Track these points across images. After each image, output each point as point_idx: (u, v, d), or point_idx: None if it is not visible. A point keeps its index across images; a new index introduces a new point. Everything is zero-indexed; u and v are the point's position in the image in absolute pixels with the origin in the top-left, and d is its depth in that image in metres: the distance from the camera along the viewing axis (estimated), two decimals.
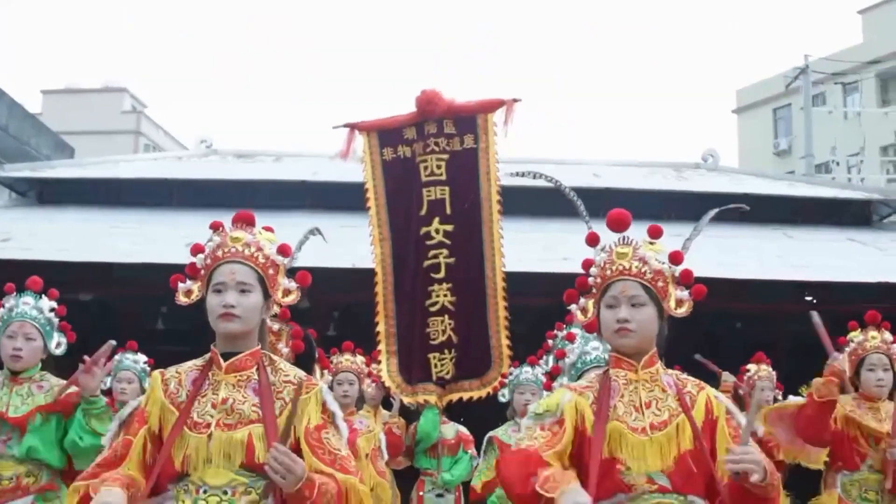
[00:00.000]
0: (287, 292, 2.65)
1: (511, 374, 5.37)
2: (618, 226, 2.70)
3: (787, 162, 32.59)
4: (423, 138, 4.91)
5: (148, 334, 11.98)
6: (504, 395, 5.61)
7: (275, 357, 2.61)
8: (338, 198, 12.50)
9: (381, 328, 4.89)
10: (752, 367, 6.57)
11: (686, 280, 2.65)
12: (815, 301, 11.12)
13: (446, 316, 4.80)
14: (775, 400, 6.38)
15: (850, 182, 25.30)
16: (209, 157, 15.47)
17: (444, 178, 4.89)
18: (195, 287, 2.57)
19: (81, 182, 13.98)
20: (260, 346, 2.54)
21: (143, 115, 42.90)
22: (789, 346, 12.39)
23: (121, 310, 12.52)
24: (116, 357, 5.73)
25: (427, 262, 4.84)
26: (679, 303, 2.58)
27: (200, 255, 2.65)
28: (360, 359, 5.83)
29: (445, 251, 4.86)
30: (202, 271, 2.58)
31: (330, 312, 11.44)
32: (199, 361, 2.53)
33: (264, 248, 2.67)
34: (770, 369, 6.57)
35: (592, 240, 2.77)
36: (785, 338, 12.48)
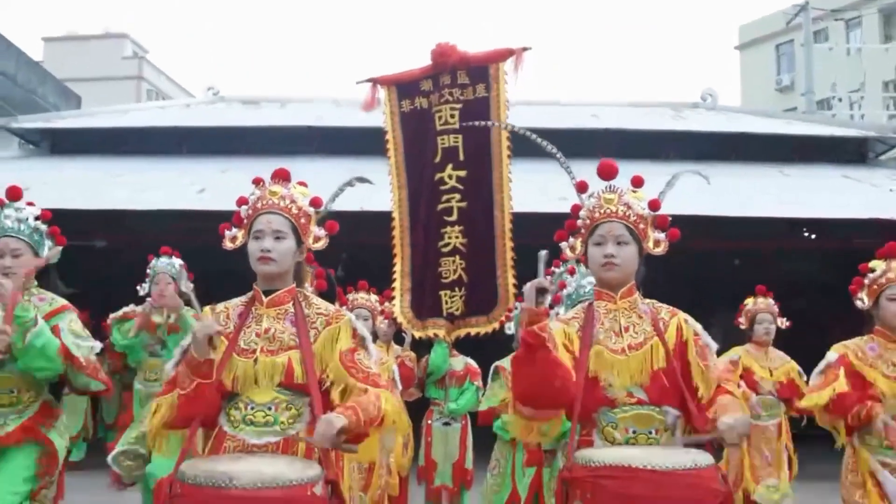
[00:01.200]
0: (317, 239, 3.00)
1: (516, 307, 5.75)
2: (607, 174, 3.03)
3: (789, 98, 32.64)
4: (438, 89, 5.09)
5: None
6: (510, 328, 5.98)
7: (308, 293, 2.99)
8: (343, 142, 12.85)
9: (396, 268, 5.15)
10: (750, 301, 6.65)
11: (662, 224, 2.99)
12: (813, 237, 11.47)
13: (457, 256, 5.01)
14: (778, 332, 6.47)
15: (852, 119, 25.45)
16: (216, 105, 15.70)
17: (457, 126, 5.06)
18: (239, 234, 2.92)
19: (92, 132, 14.23)
20: (295, 285, 2.92)
21: (145, 60, 42.78)
22: (785, 282, 12.83)
23: (133, 254, 12.93)
24: (151, 262, 6.11)
25: (440, 206, 5.03)
26: (656, 243, 2.93)
27: (244, 207, 2.97)
28: (373, 297, 6.23)
29: (458, 196, 5.04)
30: (245, 221, 2.92)
31: (338, 254, 11.88)
32: (243, 298, 2.89)
33: (297, 200, 3.01)
34: (770, 301, 6.60)
35: (581, 187, 3.09)
36: (779, 275, 12.90)
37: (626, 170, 11.29)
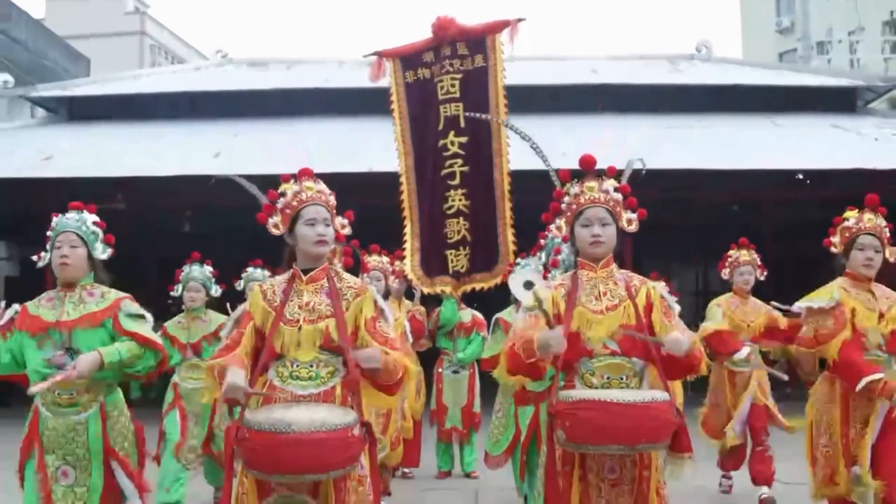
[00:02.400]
0: (343, 225, 3.55)
1: (517, 263, 6.22)
2: (587, 166, 3.55)
3: (790, 40, 32.51)
4: (439, 60, 5.52)
5: (180, 237, 12.88)
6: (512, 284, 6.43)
7: (339, 269, 3.53)
8: (348, 103, 13.33)
9: (406, 230, 5.65)
10: (733, 251, 6.77)
11: (631, 205, 3.52)
12: (807, 182, 11.85)
13: (461, 218, 5.52)
14: (757, 282, 6.64)
15: (852, 64, 25.57)
16: (225, 67, 16.10)
17: (458, 95, 5.51)
18: (279, 221, 3.44)
19: (107, 99, 14.70)
20: (327, 263, 3.46)
21: (147, 15, 42.73)
22: (776, 231, 13.29)
23: (152, 216, 13.42)
24: (185, 268, 6.34)
25: (444, 171, 5.51)
26: (629, 221, 3.47)
27: (282, 200, 3.47)
28: (385, 259, 6.77)
29: (460, 161, 5.50)
30: (287, 210, 3.44)
31: (342, 214, 12.42)
32: (285, 277, 3.43)
33: (328, 195, 3.54)
34: (752, 253, 6.72)
35: (565, 177, 3.60)
36: (777, 221, 13.37)
37: (626, 123, 12.04)
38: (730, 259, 6.73)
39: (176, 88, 14.55)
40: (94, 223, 4.22)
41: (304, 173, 3.44)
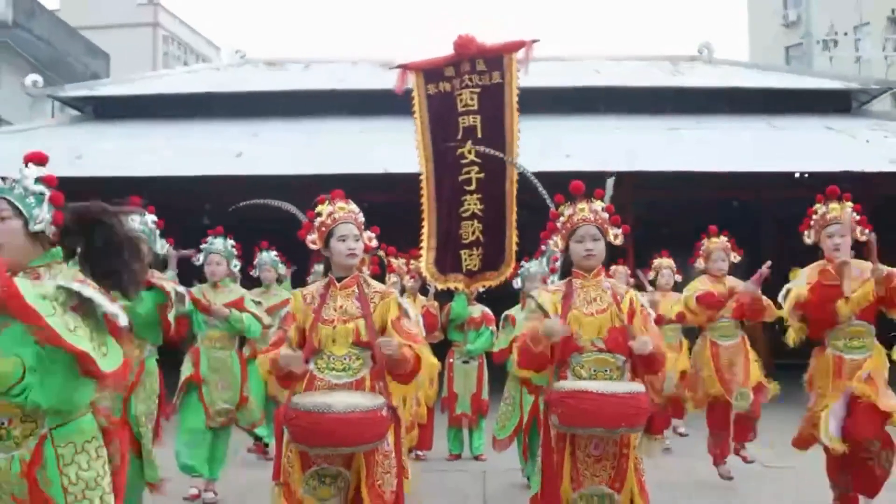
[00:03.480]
0: (370, 238, 4.14)
1: (522, 266, 6.76)
2: (578, 192, 4.13)
3: (796, 33, 32.80)
4: (459, 75, 5.87)
5: (199, 229, 13.40)
6: (517, 284, 6.98)
7: (367, 277, 4.12)
8: (363, 104, 13.89)
9: (424, 230, 5.96)
10: (704, 241, 7.08)
11: (615, 222, 4.10)
12: (805, 176, 12.27)
13: (476, 220, 5.87)
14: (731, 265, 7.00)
15: (857, 60, 25.85)
16: (243, 67, 16.67)
17: (475, 108, 5.86)
18: (316, 238, 4.03)
19: (132, 98, 15.29)
20: (357, 272, 4.05)
21: (160, 6, 42.99)
22: (775, 224, 13.77)
23: (173, 213, 13.98)
24: (209, 239, 6.47)
25: (461, 177, 5.85)
26: (615, 236, 4.06)
27: (318, 219, 4.05)
28: (401, 260, 7.36)
29: (476, 168, 5.84)
30: (322, 228, 4.02)
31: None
32: (322, 283, 4.02)
33: (357, 213, 4.12)
34: (723, 239, 7.02)
35: (560, 201, 4.17)
36: (769, 218, 13.89)
37: (627, 125, 12.64)
38: (703, 248, 7.08)
39: (197, 89, 15.09)
40: (153, 222, 4.78)
41: (337, 196, 4.03)
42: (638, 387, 3.70)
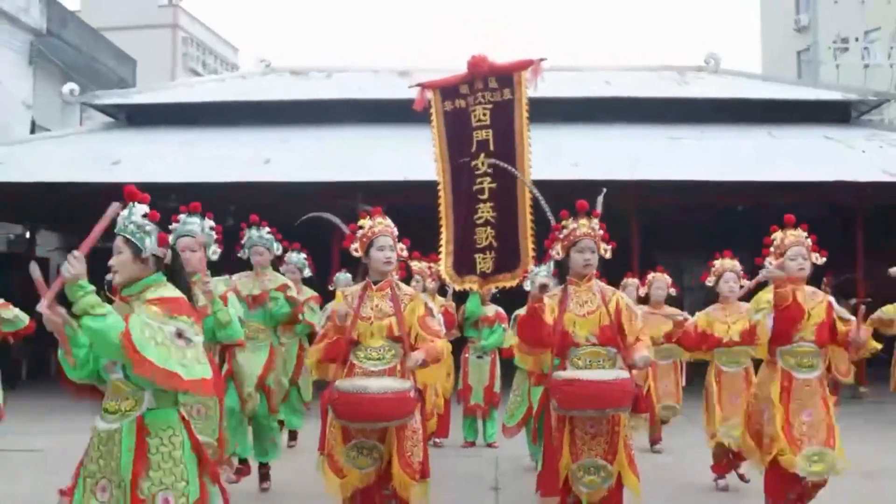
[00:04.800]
0: (402, 249, 4.86)
1: (531, 270, 7.35)
2: (582, 209, 4.81)
3: (808, 38, 33.27)
4: (473, 93, 6.19)
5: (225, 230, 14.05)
6: (527, 286, 7.56)
7: (398, 280, 4.82)
8: (384, 113, 14.38)
9: (442, 236, 6.30)
10: (717, 261, 7.08)
11: (605, 238, 4.79)
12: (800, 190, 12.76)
13: (489, 227, 6.18)
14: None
15: (866, 67, 26.20)
16: (268, 76, 17.42)
17: (488, 123, 6.18)
18: (358, 246, 4.73)
19: (164, 106, 16.02)
20: (391, 278, 4.76)
21: (180, 7, 43.34)
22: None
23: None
24: (247, 232, 6.89)
25: (476, 187, 6.18)
26: (605, 250, 4.76)
27: (360, 231, 4.74)
28: (424, 264, 8.06)
29: (489, 178, 6.16)
30: (364, 239, 4.70)
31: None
32: (360, 286, 4.73)
33: (393, 227, 4.82)
34: (735, 263, 7.01)
35: (564, 216, 4.85)
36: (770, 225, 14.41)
37: (634, 134, 13.40)
38: (714, 268, 7.08)
39: (225, 97, 15.84)
40: (211, 228, 5.22)
41: (376, 212, 4.76)
42: (623, 374, 4.41)
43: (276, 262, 7.34)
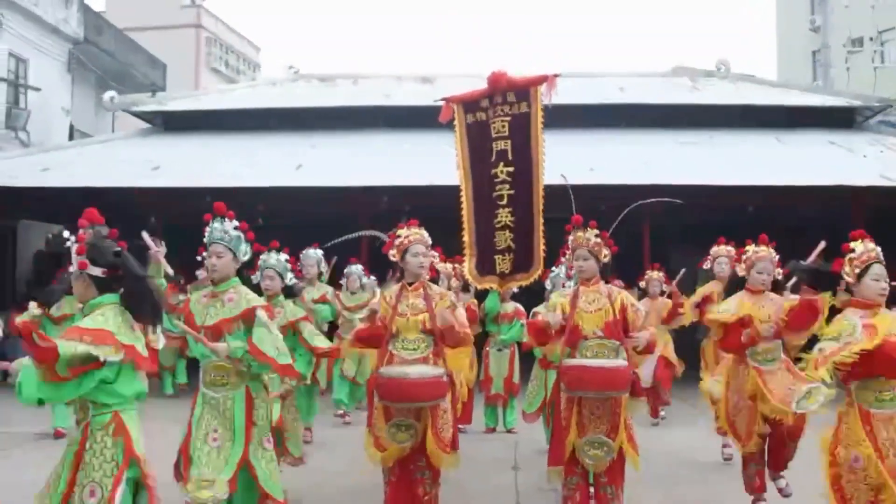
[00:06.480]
0: (433, 256, 5.59)
1: (552, 271, 8.04)
2: (577, 223, 5.53)
3: (823, 37, 33.56)
4: (493, 106, 6.54)
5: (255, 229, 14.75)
6: (548, 285, 8.13)
7: (428, 282, 5.56)
8: (408, 119, 15.11)
9: (465, 239, 6.64)
10: (750, 248, 7.14)
11: (610, 244, 5.50)
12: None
13: (507, 231, 6.53)
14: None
15: (882, 62, 26.58)
16: (297, 83, 18.20)
17: (506, 134, 6.52)
18: (396, 252, 5.46)
19: (198, 113, 16.82)
20: (424, 279, 5.49)
21: (203, 8, 43.64)
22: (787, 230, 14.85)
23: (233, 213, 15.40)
24: (262, 256, 6.46)
25: (495, 193, 6.53)
26: (605, 255, 5.43)
27: (398, 239, 5.49)
28: (448, 265, 8.74)
29: (507, 185, 6.50)
30: (401, 246, 5.40)
31: (400, 218, 14.26)
32: (397, 287, 5.47)
33: (426, 236, 5.56)
34: (771, 250, 6.47)
35: (577, 221, 5.57)
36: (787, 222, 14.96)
37: (648, 138, 14.21)
38: (746, 256, 6.64)
39: (257, 104, 16.60)
40: (235, 228, 4.97)
41: (412, 224, 5.51)
42: (622, 362, 5.15)
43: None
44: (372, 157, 13.93)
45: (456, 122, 6.67)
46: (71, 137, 19.35)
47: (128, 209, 13.45)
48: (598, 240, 5.45)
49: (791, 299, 5.88)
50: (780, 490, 6.19)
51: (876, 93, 19.12)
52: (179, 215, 11.08)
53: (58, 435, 8.85)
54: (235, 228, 4.90)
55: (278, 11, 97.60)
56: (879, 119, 17.11)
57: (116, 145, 15.91)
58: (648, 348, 5.37)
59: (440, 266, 8.47)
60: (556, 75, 6.34)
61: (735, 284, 6.31)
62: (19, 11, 18.10)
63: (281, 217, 14.22)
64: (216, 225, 4.90)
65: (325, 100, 16.67)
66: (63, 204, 14.56)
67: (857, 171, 12.86)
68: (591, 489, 5.31)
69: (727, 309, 6.18)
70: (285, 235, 7.59)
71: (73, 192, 13.07)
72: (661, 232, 13.98)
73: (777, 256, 6.39)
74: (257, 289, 5.43)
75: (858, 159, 13.62)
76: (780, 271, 6.35)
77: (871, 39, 30.54)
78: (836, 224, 13.39)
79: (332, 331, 9.78)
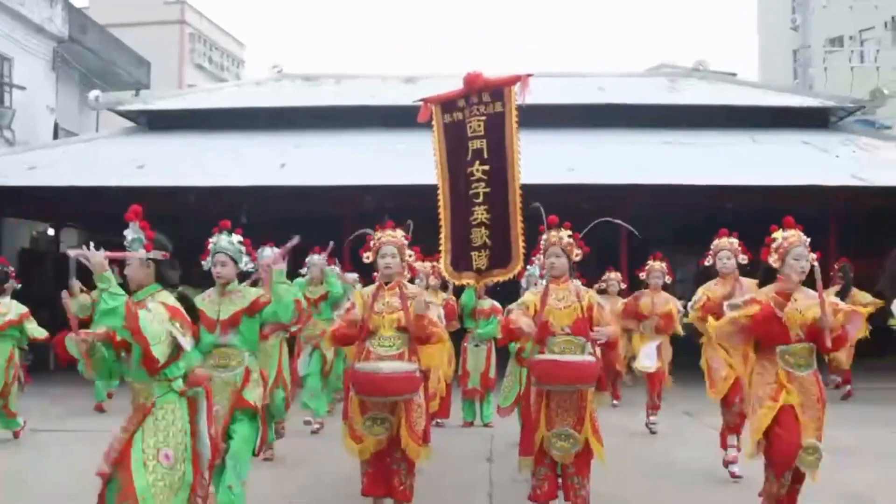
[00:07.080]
0: (410, 256, 5.81)
1: (527, 270, 8.15)
2: (552, 223, 5.77)
3: (803, 36, 33.80)
4: (469, 106, 6.64)
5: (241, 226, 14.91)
6: (524, 283, 8.14)
7: (405, 282, 5.76)
8: (392, 119, 15.13)
9: (442, 236, 6.74)
10: (715, 241, 7.47)
11: (579, 244, 5.74)
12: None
13: (483, 227, 6.63)
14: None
15: (861, 61, 26.90)
16: (281, 82, 18.36)
17: (482, 133, 6.62)
18: (371, 254, 5.67)
19: (183, 112, 16.96)
20: (400, 279, 5.71)
21: (187, 4, 43.32)
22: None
23: (217, 211, 15.54)
24: (213, 238, 5.70)
25: (471, 191, 6.63)
26: (576, 255, 5.68)
27: (372, 241, 5.73)
28: (427, 264, 8.93)
29: (483, 183, 6.61)
30: (373, 247, 5.66)
31: (382, 216, 14.41)
32: (374, 286, 5.69)
33: (400, 238, 5.77)
34: (733, 240, 7.29)
35: (552, 221, 5.80)
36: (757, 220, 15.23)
37: (627, 138, 14.52)
38: (712, 246, 7.36)
39: (241, 104, 16.78)
40: (240, 242, 5.61)
41: (387, 226, 5.73)
42: (589, 357, 5.38)
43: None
44: (356, 156, 14.10)
45: (434, 122, 6.79)
46: (56, 136, 19.45)
47: (117, 206, 13.86)
48: (571, 240, 5.68)
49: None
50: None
51: (853, 93, 19.42)
52: (164, 214, 11.13)
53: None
54: (240, 242, 5.63)
55: (262, 9, 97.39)
56: (856, 119, 17.40)
57: (101, 144, 16.05)
58: (608, 345, 5.60)
59: (418, 265, 8.70)
60: (528, 75, 6.40)
61: (768, 277, 5.34)
62: (4, 10, 18.22)
63: (265, 215, 14.41)
64: (223, 236, 5.63)
65: (310, 99, 16.84)
66: (48, 203, 14.81)
67: (830, 171, 13.12)
68: (560, 479, 5.52)
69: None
70: (269, 234, 7.89)
71: (58, 191, 13.20)
72: (638, 230, 14.12)
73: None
74: (208, 276, 5.56)
75: (831, 159, 13.89)
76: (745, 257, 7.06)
77: (851, 38, 30.81)
78: (810, 223, 13.75)
79: None
